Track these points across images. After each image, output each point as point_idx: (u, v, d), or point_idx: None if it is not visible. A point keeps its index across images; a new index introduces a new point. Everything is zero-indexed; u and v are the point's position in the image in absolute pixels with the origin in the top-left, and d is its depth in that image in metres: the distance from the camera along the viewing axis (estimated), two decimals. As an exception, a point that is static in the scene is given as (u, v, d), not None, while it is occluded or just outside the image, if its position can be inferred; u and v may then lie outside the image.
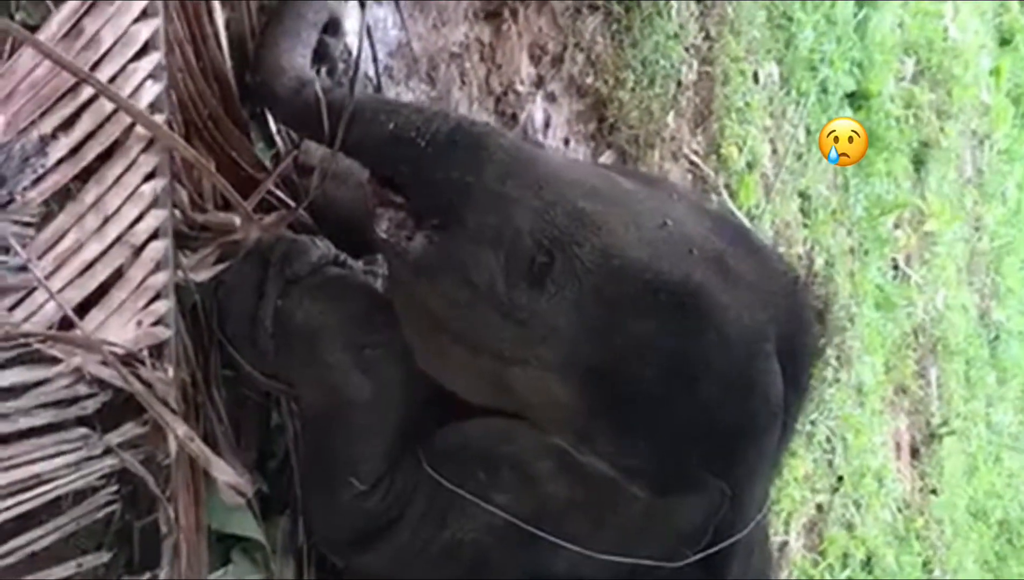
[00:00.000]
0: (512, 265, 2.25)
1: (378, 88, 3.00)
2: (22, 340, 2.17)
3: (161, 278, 2.39)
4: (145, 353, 2.34)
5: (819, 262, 4.98)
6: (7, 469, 2.12)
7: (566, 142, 3.66)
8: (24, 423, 2.16)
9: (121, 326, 2.31)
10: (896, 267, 5.87)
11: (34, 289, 2.20)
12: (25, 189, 2.19)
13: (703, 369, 2.23)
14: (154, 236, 2.39)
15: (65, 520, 2.25)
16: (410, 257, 2.30)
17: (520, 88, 3.51)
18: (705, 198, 3.03)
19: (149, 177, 2.38)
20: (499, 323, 2.26)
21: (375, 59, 2.97)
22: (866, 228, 5.42)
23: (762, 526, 2.53)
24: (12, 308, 2.18)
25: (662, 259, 2.23)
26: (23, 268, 2.18)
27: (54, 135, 2.22)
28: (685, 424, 2.24)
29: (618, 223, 2.25)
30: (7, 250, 2.16)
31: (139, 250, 2.35)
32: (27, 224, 2.20)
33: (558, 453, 2.28)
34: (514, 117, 3.48)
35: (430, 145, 2.29)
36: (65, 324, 2.24)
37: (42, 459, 2.19)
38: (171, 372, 2.37)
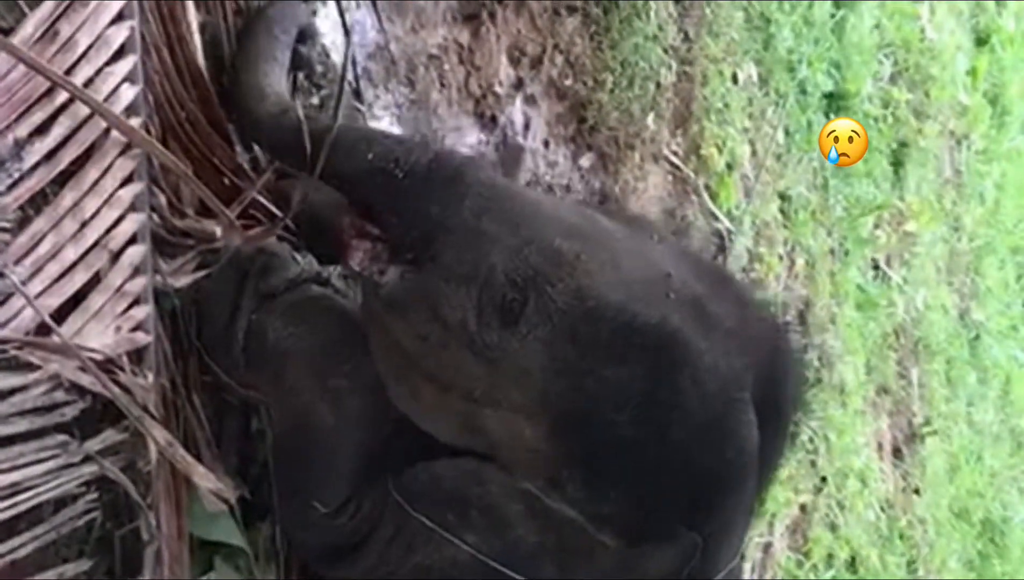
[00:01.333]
0: (485, 303, 2.21)
1: (357, 92, 2.99)
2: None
3: (140, 283, 2.38)
4: (124, 359, 2.32)
5: (800, 263, 4.98)
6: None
7: (546, 144, 3.66)
8: (2, 431, 2.14)
9: (100, 332, 2.30)
10: (876, 267, 5.87)
11: (11, 295, 2.17)
12: (0, 194, 2.17)
13: (677, 417, 2.18)
14: (132, 241, 2.39)
15: (45, 528, 2.23)
16: (382, 292, 2.27)
17: (499, 90, 3.50)
18: (687, 241, 2.97)
19: (126, 181, 2.37)
20: (470, 362, 2.23)
21: (354, 62, 2.96)
22: (846, 229, 5.41)
23: (735, 572, 2.50)
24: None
25: (638, 302, 2.19)
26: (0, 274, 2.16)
27: (29, 139, 2.20)
28: (657, 473, 2.19)
29: (594, 264, 2.21)
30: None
31: (117, 255, 2.34)
32: (3, 229, 2.18)
33: (527, 497, 2.24)
34: (494, 119, 3.47)
35: (408, 177, 2.26)
36: (43, 330, 2.22)
37: (21, 466, 2.17)
38: (151, 378, 2.35)
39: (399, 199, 2.26)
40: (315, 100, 2.82)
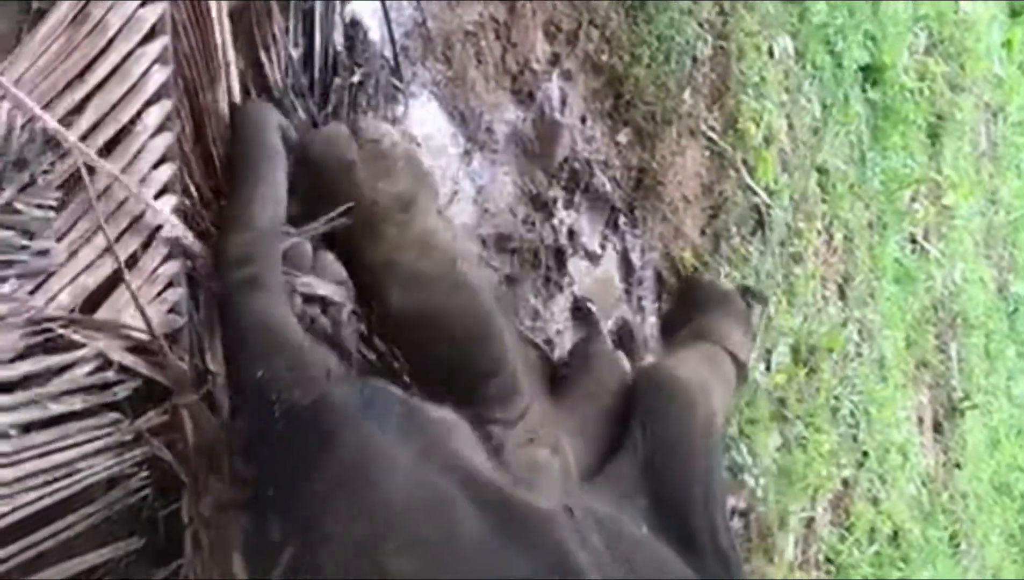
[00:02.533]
0: None
1: (395, 69, 2.98)
2: (45, 325, 2.15)
3: (174, 265, 2.37)
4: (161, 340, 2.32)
5: (838, 237, 4.95)
6: (41, 455, 2.10)
7: (583, 120, 3.64)
8: (55, 409, 2.14)
9: (135, 314, 2.29)
10: (914, 241, 5.84)
11: (51, 275, 2.18)
12: (45, 172, 2.17)
13: None
14: (164, 224, 2.37)
15: (98, 507, 2.23)
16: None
17: (536, 66, 3.49)
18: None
19: (160, 163, 2.36)
20: None
21: (392, 40, 2.95)
22: (884, 202, 5.38)
23: None
24: (32, 293, 2.16)
25: None
26: (45, 252, 2.16)
27: (68, 119, 2.21)
28: None
29: None
30: (30, 235, 2.15)
31: (150, 238, 2.33)
32: (49, 207, 2.19)
33: None
34: (531, 95, 3.46)
35: (280, 418, 2.15)
36: (84, 311, 2.23)
37: (75, 445, 2.17)
38: (186, 359, 2.34)
39: (263, 440, 2.16)
40: (355, 78, 2.82)
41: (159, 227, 2.36)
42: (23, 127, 2.11)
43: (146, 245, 2.35)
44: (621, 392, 3.34)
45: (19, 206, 2.14)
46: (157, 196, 2.37)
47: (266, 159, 2.42)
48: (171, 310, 2.40)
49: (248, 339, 2.27)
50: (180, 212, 2.41)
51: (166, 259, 2.37)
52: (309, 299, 2.46)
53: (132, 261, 2.32)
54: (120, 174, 2.30)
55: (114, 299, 2.28)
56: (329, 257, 2.56)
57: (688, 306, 3.70)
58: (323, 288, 2.49)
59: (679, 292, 3.82)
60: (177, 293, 2.38)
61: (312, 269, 2.52)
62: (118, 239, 2.29)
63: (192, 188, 2.45)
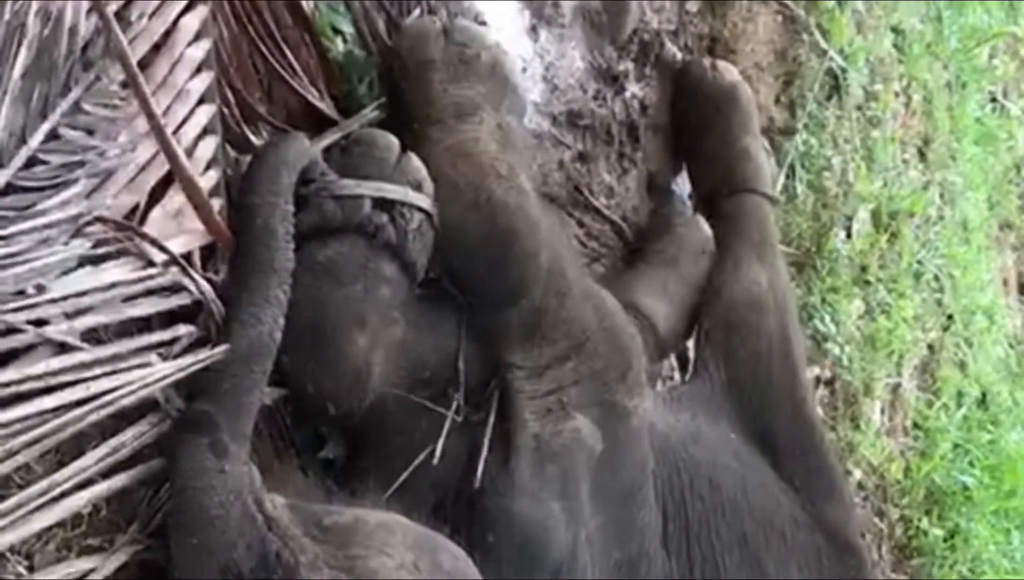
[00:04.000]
0: None
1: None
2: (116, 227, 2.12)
3: (212, 177, 2.32)
4: (196, 255, 2.28)
5: (916, 99, 4.85)
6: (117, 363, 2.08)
7: (654, -14, 3.56)
8: (128, 313, 2.12)
9: (176, 229, 2.24)
10: (994, 100, 5.73)
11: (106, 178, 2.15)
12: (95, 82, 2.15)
13: None
14: (203, 134, 2.32)
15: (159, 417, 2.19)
16: None
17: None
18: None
19: (196, 72, 2.32)
20: None
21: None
22: (962, 60, 5.27)
23: None
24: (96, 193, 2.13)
25: None
26: (111, 153, 2.14)
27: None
28: None
29: None
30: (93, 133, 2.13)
31: (190, 150, 2.29)
32: (114, 106, 2.17)
33: None
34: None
35: None
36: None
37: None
38: (223, 273, 2.31)
39: None
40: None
41: (197, 139, 2.32)
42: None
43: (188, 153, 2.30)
44: (703, 256, 3.32)
45: (86, 106, 2.12)
46: (194, 108, 2.32)
47: (263, 270, 2.21)
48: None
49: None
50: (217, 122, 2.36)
51: (205, 170, 2.33)
52: (380, 205, 2.43)
53: (169, 176, 2.25)
54: (157, 86, 2.24)
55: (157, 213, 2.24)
56: (415, 160, 2.51)
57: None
58: (395, 193, 2.45)
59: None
60: (216, 204, 2.31)
61: (394, 172, 2.49)
62: (157, 154, 2.23)
63: (231, 96, 2.42)
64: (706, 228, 3.38)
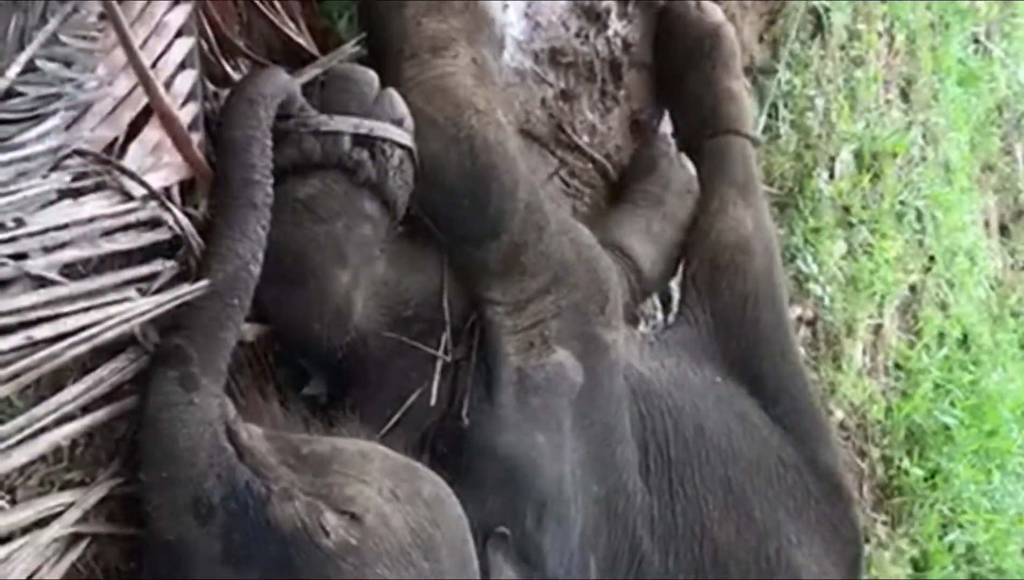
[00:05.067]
0: None
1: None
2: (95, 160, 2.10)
3: (190, 110, 2.29)
4: (176, 189, 2.25)
5: (900, 39, 4.83)
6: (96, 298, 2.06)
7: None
8: (107, 248, 2.10)
9: (154, 163, 2.22)
10: (977, 41, 5.71)
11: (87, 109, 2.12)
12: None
13: None
14: (182, 67, 2.28)
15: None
16: None
17: None
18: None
19: (174, 5, 2.27)
20: None
21: None
22: (945, 2, 5.25)
23: None
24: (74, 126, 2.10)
25: None
26: (89, 85, 2.11)
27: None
28: None
29: None
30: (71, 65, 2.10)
31: (168, 84, 2.26)
32: (92, 38, 2.14)
33: None
34: None
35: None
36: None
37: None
38: (202, 207, 2.29)
39: None
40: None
41: (175, 73, 2.28)
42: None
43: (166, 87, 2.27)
44: (688, 195, 3.31)
45: (63, 38, 2.09)
46: (172, 41, 2.28)
47: (242, 204, 2.18)
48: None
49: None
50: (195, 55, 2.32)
51: (185, 103, 2.30)
52: (360, 141, 2.41)
53: (149, 111, 2.21)
54: (135, 19, 2.20)
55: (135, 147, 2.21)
56: (395, 96, 2.48)
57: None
58: (376, 128, 2.42)
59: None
60: (195, 137, 2.28)
61: (374, 107, 2.46)
62: (135, 88, 2.20)
63: (209, 29, 2.38)
64: (690, 167, 3.36)
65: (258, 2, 2.50)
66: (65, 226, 2.00)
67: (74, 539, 2.02)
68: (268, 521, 2.04)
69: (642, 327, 3.35)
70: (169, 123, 2.18)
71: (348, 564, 2.05)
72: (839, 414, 4.18)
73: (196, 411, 2.04)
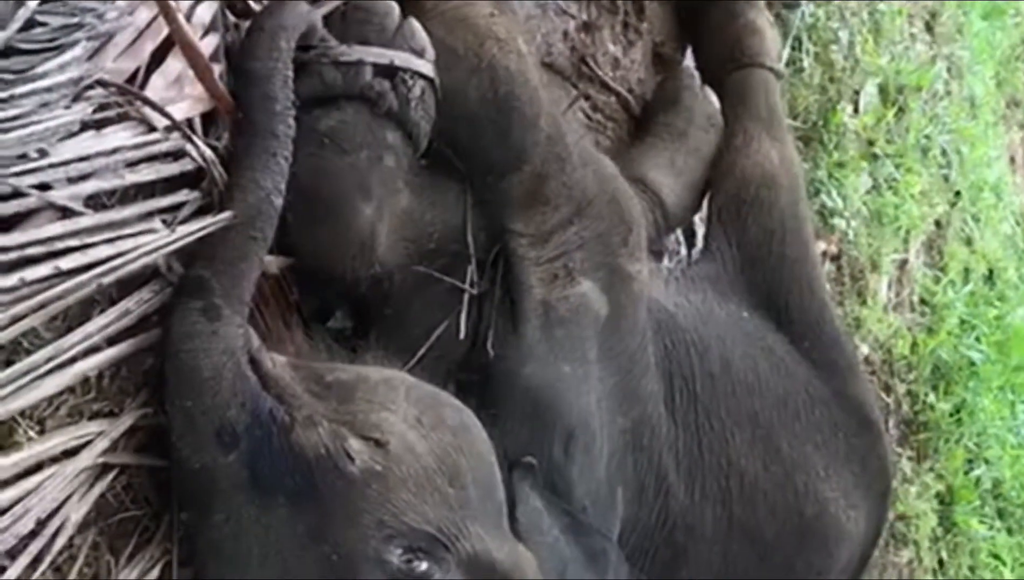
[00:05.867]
0: None
1: None
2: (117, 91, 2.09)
3: (211, 42, 2.28)
4: (198, 121, 2.24)
5: (924, -27, 4.80)
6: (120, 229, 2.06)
7: None
8: (130, 179, 2.10)
9: (177, 93, 2.21)
10: (1002, -26, 5.66)
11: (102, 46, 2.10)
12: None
13: None
14: None
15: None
16: None
17: None
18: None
19: None
20: None
21: None
22: (970, -66, 5.20)
23: None
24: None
25: None
26: (110, 15, 2.09)
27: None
28: None
29: None
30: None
31: (188, 16, 2.23)
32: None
33: None
34: None
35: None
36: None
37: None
38: (225, 139, 2.28)
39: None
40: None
41: (194, 5, 2.26)
42: None
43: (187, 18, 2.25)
44: (712, 129, 3.29)
45: (85, -32, 2.08)
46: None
47: (264, 136, 2.16)
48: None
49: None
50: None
51: (205, 33, 2.28)
52: (381, 71, 2.39)
53: (169, 43, 2.21)
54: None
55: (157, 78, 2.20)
56: (416, 26, 2.45)
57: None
58: (397, 58, 2.41)
59: None
60: (216, 69, 2.28)
61: (395, 38, 2.44)
62: (155, 19, 2.18)
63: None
64: (714, 100, 3.35)
65: (279, -66, 2.47)
66: (88, 157, 1.99)
67: (103, 469, 2.03)
68: (292, 448, 2.05)
69: (666, 261, 3.34)
70: (190, 54, 2.16)
71: (373, 490, 2.05)
72: (865, 349, 4.17)
73: (218, 341, 2.04)
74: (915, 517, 4.28)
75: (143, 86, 2.12)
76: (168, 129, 2.12)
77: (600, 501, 2.55)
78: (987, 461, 4.57)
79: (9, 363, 1.88)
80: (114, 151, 2.04)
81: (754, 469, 2.87)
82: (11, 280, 1.85)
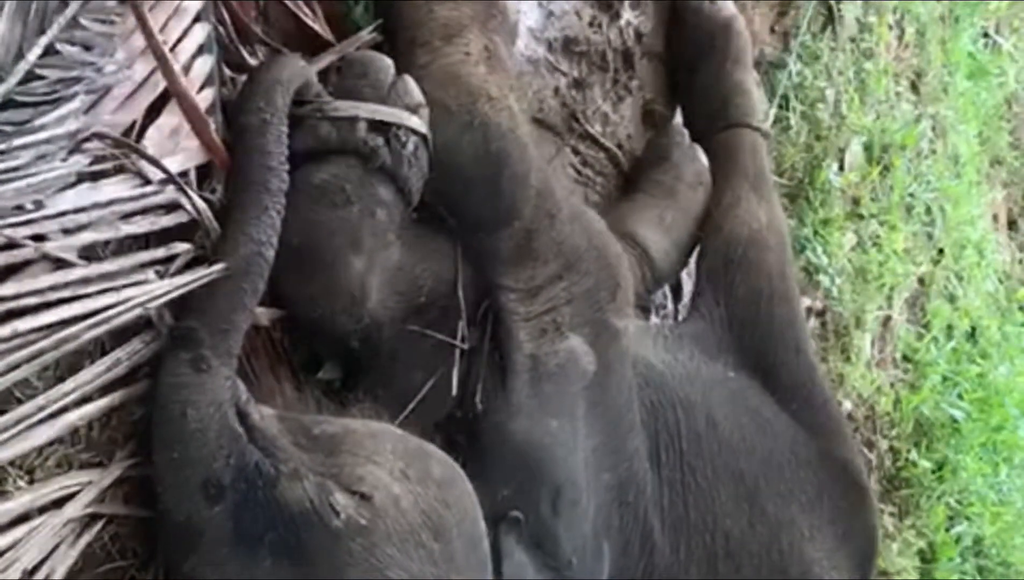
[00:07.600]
0: None
1: None
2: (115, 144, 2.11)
3: (207, 95, 2.31)
4: (193, 174, 2.27)
5: (910, 31, 4.83)
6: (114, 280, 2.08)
7: None
8: (125, 230, 2.12)
9: (172, 148, 2.23)
10: (987, 35, 5.70)
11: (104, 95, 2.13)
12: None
13: None
14: (199, 52, 2.30)
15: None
16: None
17: None
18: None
19: None
20: None
21: None
22: (955, -3, 5.26)
23: None
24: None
25: None
26: (108, 69, 2.12)
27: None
28: None
29: None
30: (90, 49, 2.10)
31: (186, 69, 2.27)
32: (112, 22, 2.15)
33: None
34: None
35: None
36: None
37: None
38: (219, 192, 2.30)
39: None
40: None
41: (192, 58, 2.29)
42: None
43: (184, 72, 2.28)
44: (700, 186, 3.31)
45: (83, 21, 2.10)
46: (190, 26, 2.29)
47: (258, 189, 2.21)
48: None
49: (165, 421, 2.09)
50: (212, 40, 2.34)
51: (202, 87, 2.31)
52: (375, 127, 2.40)
53: (165, 94, 2.23)
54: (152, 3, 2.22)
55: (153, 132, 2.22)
56: (410, 82, 2.49)
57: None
58: (391, 115, 2.43)
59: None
60: (212, 122, 2.30)
61: (390, 94, 2.47)
62: (153, 73, 2.21)
63: (226, 15, 2.39)
64: (703, 158, 3.37)
65: (275, -12, 2.51)
66: (84, 209, 2.03)
67: (91, 519, 2.05)
68: (277, 501, 2.06)
69: (653, 317, 3.36)
70: (187, 107, 2.19)
71: (357, 544, 2.06)
72: (847, 405, 4.18)
73: (206, 393, 2.06)
74: (896, 573, 4.27)
75: (140, 138, 2.16)
76: (163, 181, 2.14)
77: (586, 557, 2.56)
78: (968, 518, 4.57)
79: (1, 413, 1.89)
80: (109, 203, 2.07)
81: (739, 528, 2.88)
82: (5, 330, 1.86)
